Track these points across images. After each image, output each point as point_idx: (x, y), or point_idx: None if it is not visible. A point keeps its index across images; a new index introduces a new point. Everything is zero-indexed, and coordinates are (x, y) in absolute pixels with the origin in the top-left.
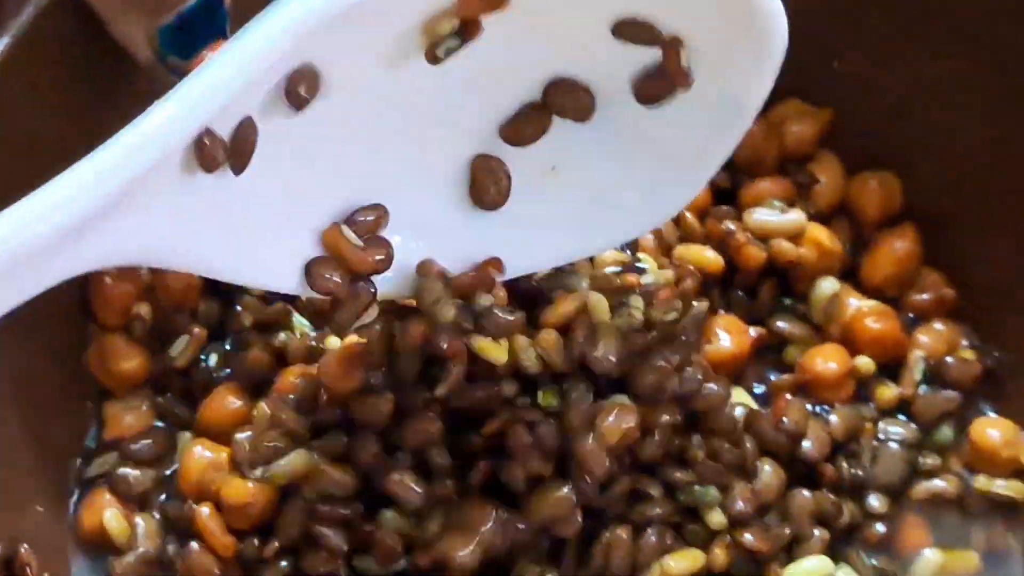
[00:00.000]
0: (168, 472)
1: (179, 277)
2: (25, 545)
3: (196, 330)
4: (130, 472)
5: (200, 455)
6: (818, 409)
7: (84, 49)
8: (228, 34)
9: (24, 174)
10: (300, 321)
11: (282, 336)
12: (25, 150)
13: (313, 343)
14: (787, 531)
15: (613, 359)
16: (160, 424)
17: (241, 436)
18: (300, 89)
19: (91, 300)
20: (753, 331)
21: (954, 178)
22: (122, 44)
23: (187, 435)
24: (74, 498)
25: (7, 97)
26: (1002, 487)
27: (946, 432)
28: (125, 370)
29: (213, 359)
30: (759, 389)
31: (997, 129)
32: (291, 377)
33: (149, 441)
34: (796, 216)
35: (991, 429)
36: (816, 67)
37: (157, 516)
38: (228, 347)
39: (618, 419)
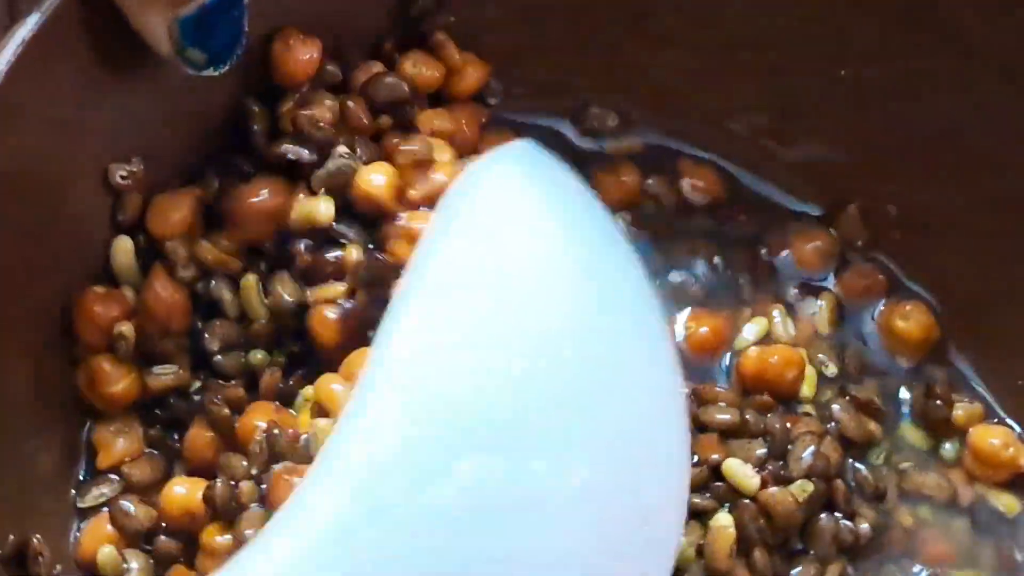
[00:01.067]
0: None
1: (161, 298)
2: (38, 536)
3: (179, 371)
4: (130, 506)
5: (177, 495)
6: None
7: (106, 37)
8: (245, 29)
9: (44, 159)
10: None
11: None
12: (46, 134)
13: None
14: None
15: None
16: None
17: (217, 483)
18: None
19: (75, 321)
20: None
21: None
22: (141, 36)
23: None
24: (74, 527)
25: (29, 82)
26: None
27: (948, 449)
28: (113, 392)
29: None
30: None
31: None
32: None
33: (142, 468)
34: None
35: (992, 438)
36: None
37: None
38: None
39: None
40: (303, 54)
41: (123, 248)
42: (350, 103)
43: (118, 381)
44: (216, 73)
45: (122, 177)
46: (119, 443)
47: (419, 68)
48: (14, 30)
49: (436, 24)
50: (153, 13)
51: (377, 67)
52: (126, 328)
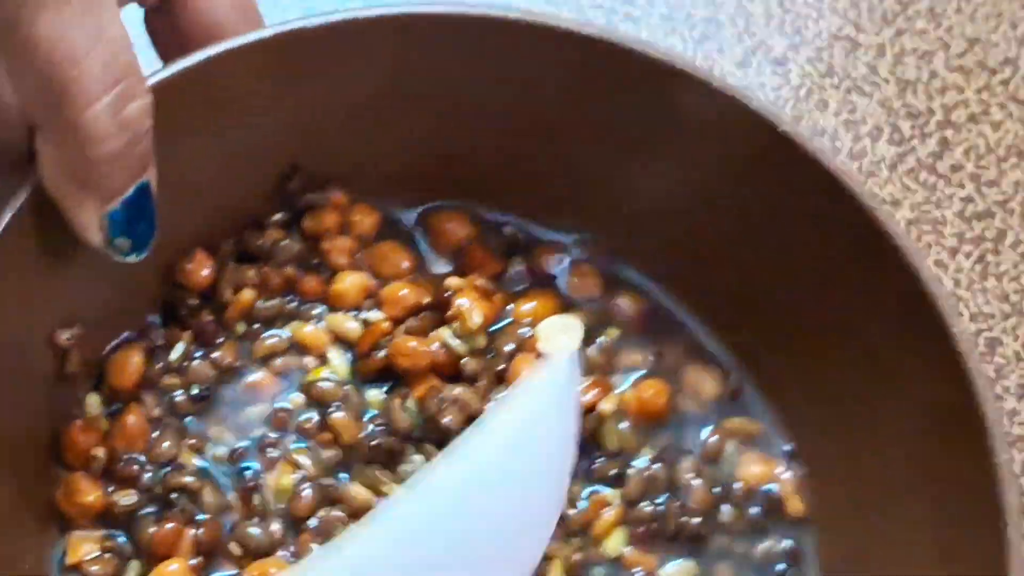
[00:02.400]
0: None
1: (133, 428)
2: None
3: (137, 501)
4: None
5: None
6: None
7: (59, 242)
8: (156, 223)
9: (15, 370)
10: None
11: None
12: (13, 347)
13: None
14: None
15: None
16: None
17: None
18: None
19: (62, 446)
20: None
21: None
22: (77, 231)
23: (135, 563)
24: None
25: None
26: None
27: None
28: (85, 502)
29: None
30: None
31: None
32: None
33: (103, 566)
34: None
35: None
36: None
37: None
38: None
39: None
40: (204, 270)
41: (93, 401)
42: (266, 268)
43: (90, 493)
44: (137, 259)
45: (67, 339)
46: (85, 546)
47: (317, 220)
48: None
49: (309, 200)
50: (87, 210)
51: (273, 235)
52: (99, 451)
